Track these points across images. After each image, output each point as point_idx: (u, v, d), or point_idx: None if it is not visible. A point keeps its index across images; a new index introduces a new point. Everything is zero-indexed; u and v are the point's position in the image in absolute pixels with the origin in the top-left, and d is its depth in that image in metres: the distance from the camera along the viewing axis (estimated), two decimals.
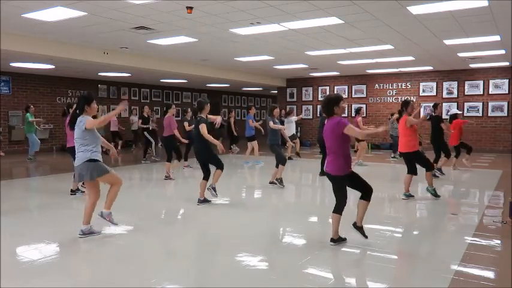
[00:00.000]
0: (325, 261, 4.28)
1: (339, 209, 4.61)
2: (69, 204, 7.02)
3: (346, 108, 17.53)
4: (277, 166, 8.35)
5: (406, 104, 7.12)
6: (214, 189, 6.86)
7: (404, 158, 7.19)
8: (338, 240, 4.66)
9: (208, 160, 6.77)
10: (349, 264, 4.31)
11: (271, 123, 8.34)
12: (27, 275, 3.88)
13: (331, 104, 4.57)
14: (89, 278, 3.91)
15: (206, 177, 6.77)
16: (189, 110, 10.97)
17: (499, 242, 4.87)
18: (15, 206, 6.75)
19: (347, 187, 4.65)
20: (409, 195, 7.13)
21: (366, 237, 4.70)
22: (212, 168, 6.78)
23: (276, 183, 8.34)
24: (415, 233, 5.58)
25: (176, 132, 9.58)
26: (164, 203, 7.38)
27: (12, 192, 8.05)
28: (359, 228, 4.72)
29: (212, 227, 5.75)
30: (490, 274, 3.96)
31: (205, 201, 6.76)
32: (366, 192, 4.64)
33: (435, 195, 7.15)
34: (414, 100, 6.93)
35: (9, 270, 3.93)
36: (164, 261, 4.34)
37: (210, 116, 6.98)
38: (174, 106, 10.09)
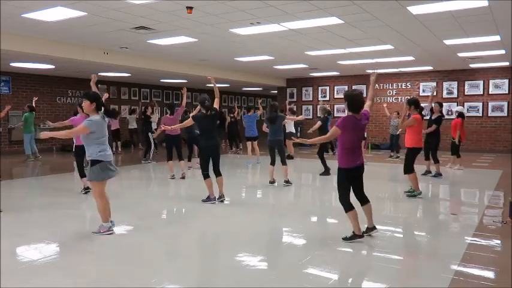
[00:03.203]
0: (325, 261, 4.27)
1: (348, 208, 4.68)
2: (69, 204, 7.01)
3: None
4: (283, 163, 8.41)
5: (418, 102, 7.18)
6: (222, 195, 6.88)
7: (412, 154, 7.19)
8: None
9: (216, 158, 6.80)
10: (349, 264, 4.31)
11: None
12: (27, 275, 3.88)
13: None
14: (89, 278, 3.90)
15: (208, 175, 6.80)
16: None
17: (499, 242, 4.87)
18: (15, 206, 6.74)
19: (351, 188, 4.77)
20: (418, 194, 7.16)
21: (375, 228, 4.91)
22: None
23: (273, 183, 8.46)
24: (415, 233, 5.58)
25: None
26: (164, 202, 7.37)
27: (12, 192, 8.05)
28: (372, 229, 4.90)
29: (212, 226, 5.75)
30: (490, 274, 3.96)
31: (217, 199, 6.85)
32: (361, 198, 4.85)
33: (415, 195, 7.15)
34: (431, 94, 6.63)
35: (9, 270, 3.94)
36: (164, 261, 4.34)
37: None
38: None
